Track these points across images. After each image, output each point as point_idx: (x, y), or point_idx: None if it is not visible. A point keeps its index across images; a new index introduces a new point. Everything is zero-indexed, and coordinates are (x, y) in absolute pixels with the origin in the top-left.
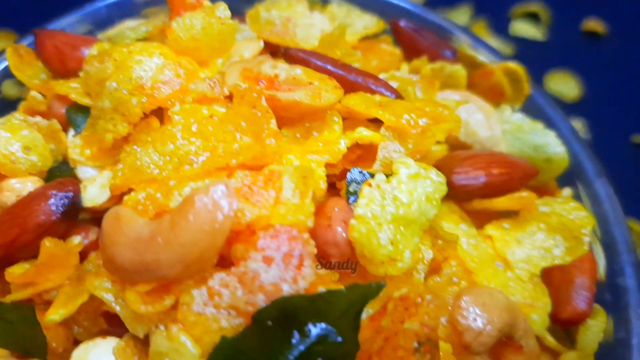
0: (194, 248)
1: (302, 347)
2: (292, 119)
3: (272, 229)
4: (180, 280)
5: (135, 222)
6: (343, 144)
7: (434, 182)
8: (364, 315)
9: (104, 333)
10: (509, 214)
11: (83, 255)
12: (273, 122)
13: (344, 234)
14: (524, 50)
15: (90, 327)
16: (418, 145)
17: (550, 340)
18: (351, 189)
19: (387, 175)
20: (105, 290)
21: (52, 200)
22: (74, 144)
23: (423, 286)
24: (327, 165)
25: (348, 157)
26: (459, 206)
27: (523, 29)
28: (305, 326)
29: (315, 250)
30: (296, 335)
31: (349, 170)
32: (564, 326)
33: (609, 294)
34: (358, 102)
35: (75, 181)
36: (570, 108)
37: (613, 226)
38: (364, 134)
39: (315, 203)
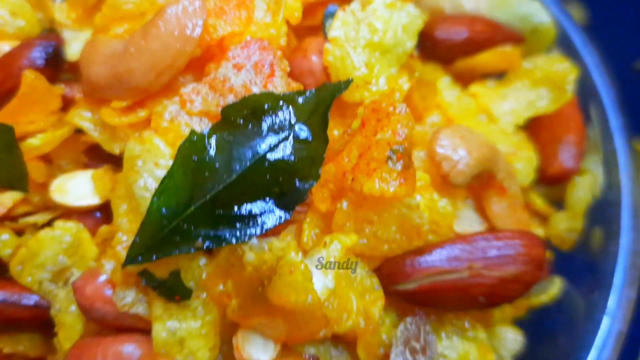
0: (165, 54)
1: (272, 140)
2: None
3: (243, 40)
4: (153, 92)
5: (110, 42)
6: None
7: (410, 14)
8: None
9: (84, 167)
10: (493, 76)
11: (67, 106)
12: None
13: (319, 62)
14: None
15: (72, 169)
16: None
17: (538, 202)
18: (328, 24)
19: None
20: (84, 119)
21: (36, 48)
22: (60, 8)
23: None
24: (307, 12)
25: None
26: (443, 68)
27: None
28: (276, 121)
29: (288, 68)
30: (266, 128)
31: None
32: (552, 183)
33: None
34: None
35: (60, 37)
36: None
37: (602, 94)
38: None
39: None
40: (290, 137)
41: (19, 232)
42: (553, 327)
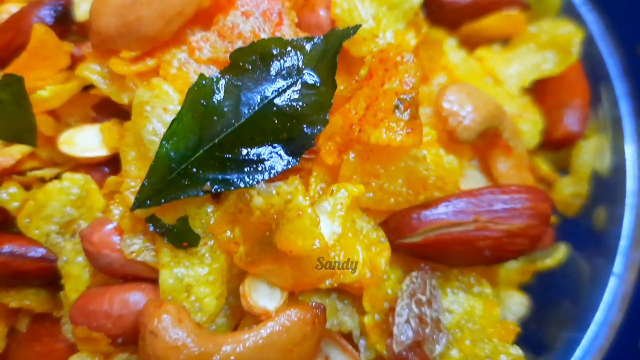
0: (174, 1)
1: (280, 85)
2: None
3: None
4: (162, 42)
5: None
6: None
7: None
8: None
9: (92, 122)
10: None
11: (75, 65)
12: None
13: (327, 16)
14: None
15: (80, 123)
16: None
17: (544, 167)
18: None
19: None
20: (93, 72)
21: (45, 7)
22: None
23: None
24: None
25: None
26: (450, 32)
27: None
28: (284, 67)
29: (296, 19)
30: (274, 73)
31: None
32: (557, 147)
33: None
34: None
35: None
36: None
37: (606, 60)
38: None
39: None
40: (299, 83)
41: (27, 187)
42: (558, 292)
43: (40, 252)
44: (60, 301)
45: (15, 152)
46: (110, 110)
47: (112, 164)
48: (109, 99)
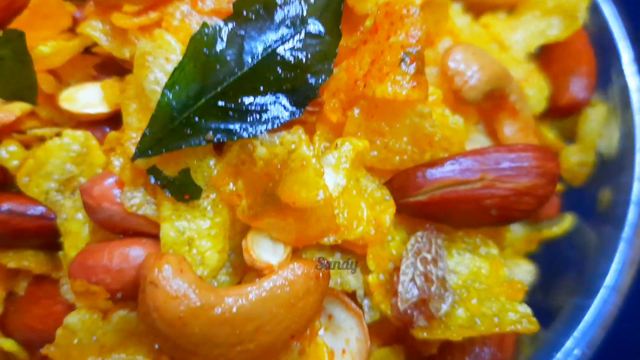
0: None
1: (284, 35)
2: None
3: None
4: None
5: None
6: None
7: None
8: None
9: (93, 80)
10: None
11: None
12: None
13: None
14: None
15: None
16: None
17: (549, 136)
18: None
19: None
20: (95, 29)
21: None
22: None
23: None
24: None
25: None
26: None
27: None
28: (288, 16)
29: None
30: (278, 22)
31: None
32: (563, 115)
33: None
34: None
35: None
36: None
37: (612, 28)
38: None
39: None
40: (302, 32)
41: (27, 147)
42: (566, 261)
43: (39, 210)
44: (59, 262)
45: (16, 109)
46: (112, 69)
47: (112, 122)
48: (110, 59)
